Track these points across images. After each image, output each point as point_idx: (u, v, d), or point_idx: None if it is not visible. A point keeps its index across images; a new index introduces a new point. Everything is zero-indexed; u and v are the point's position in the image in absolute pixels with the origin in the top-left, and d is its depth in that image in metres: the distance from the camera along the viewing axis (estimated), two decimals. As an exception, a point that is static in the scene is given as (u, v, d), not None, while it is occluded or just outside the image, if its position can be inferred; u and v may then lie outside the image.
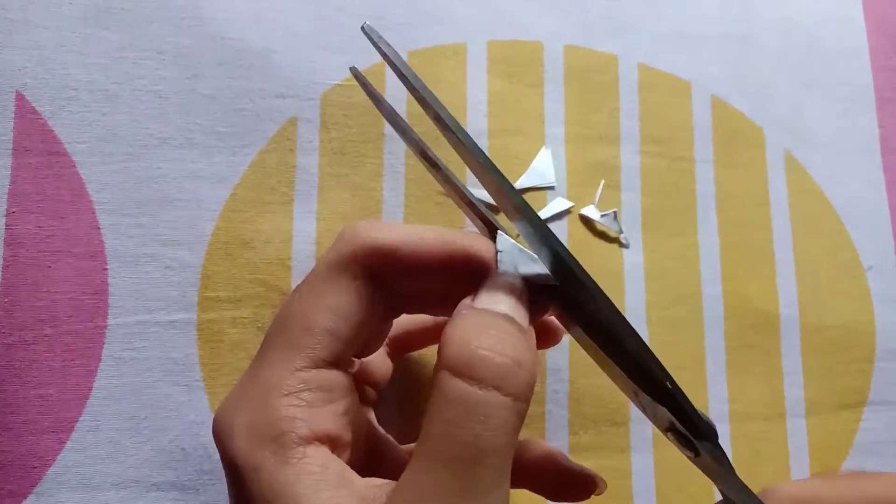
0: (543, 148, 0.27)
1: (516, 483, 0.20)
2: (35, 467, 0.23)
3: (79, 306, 0.24)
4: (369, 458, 0.19)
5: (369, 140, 0.26)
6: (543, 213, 0.27)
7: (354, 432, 0.18)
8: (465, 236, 0.18)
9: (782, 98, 0.29)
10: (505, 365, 0.15)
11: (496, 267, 0.18)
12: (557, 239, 0.17)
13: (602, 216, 0.27)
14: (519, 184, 0.27)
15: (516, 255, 0.18)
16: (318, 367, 0.17)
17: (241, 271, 0.25)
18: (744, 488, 0.18)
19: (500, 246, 0.18)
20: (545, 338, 0.21)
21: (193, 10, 0.26)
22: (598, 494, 0.20)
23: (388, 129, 0.26)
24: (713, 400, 0.26)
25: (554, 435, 0.25)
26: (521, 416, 0.15)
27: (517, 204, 0.17)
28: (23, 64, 0.24)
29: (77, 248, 0.24)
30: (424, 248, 0.18)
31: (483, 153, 0.16)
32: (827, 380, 0.27)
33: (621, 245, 0.27)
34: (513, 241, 0.18)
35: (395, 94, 0.27)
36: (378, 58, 0.27)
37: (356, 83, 0.26)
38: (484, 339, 0.15)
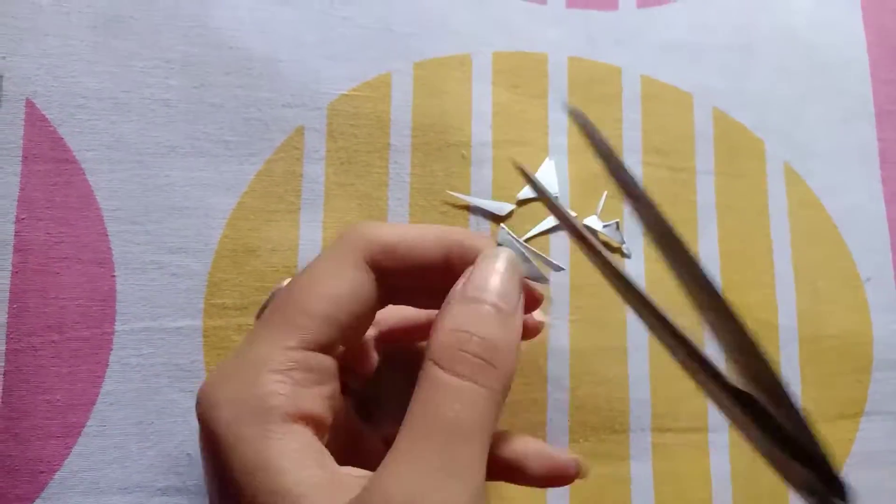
0: (547, 158, 0.28)
1: (500, 476, 0.21)
2: (42, 472, 0.23)
3: (86, 312, 0.24)
4: (344, 447, 0.20)
5: (375, 150, 0.26)
6: (546, 224, 0.27)
7: (334, 419, 0.18)
8: (461, 231, 0.19)
9: (783, 110, 0.30)
10: (480, 365, 0.16)
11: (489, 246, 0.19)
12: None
13: (604, 226, 0.27)
14: (522, 194, 0.27)
15: (515, 246, 0.19)
16: (309, 348, 0.17)
17: (248, 279, 0.25)
18: None
19: (499, 238, 0.19)
20: (525, 331, 0.21)
21: (201, 20, 0.26)
22: (581, 478, 0.21)
23: (393, 138, 0.27)
24: (711, 409, 0.27)
25: (555, 442, 0.26)
26: (497, 404, 0.17)
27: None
28: (33, 72, 0.25)
29: (85, 254, 0.24)
30: (422, 244, 0.19)
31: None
32: (825, 389, 0.28)
33: (623, 255, 0.28)
34: (512, 234, 0.19)
35: (403, 100, 0.27)
36: (385, 68, 0.27)
37: (363, 94, 0.27)
38: (466, 338, 0.17)
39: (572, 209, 0.27)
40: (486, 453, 0.16)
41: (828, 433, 0.27)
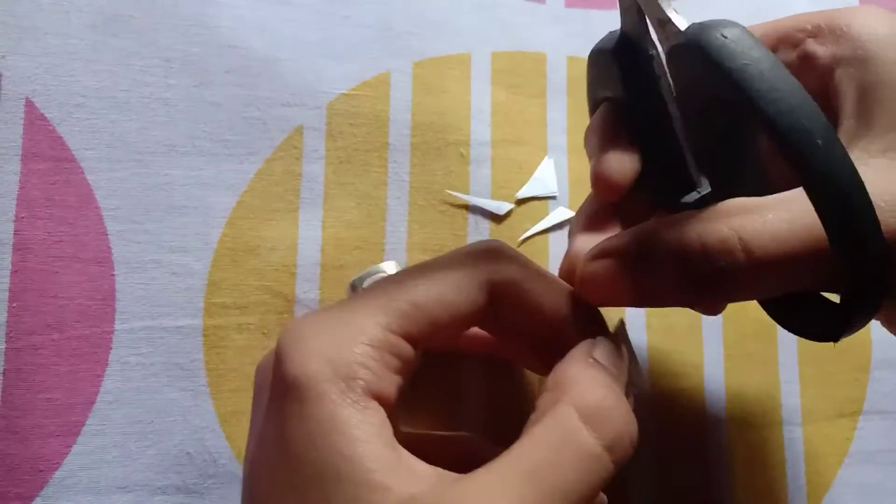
0: (546, 157, 0.28)
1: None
2: (42, 470, 0.23)
3: (86, 311, 0.24)
4: None
5: (374, 149, 0.27)
6: (545, 223, 0.27)
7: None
8: (584, 310, 0.19)
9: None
10: (621, 435, 0.16)
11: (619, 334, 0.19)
12: None
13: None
14: (521, 193, 0.27)
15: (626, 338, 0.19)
16: (402, 336, 0.17)
17: (248, 278, 0.25)
18: None
19: (621, 325, 0.19)
20: None
21: (201, 19, 0.26)
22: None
23: (392, 138, 0.27)
24: (711, 408, 0.27)
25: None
26: (609, 481, 0.16)
27: None
28: (32, 71, 0.25)
29: (85, 253, 0.24)
30: (545, 299, 0.19)
31: None
32: (824, 388, 0.28)
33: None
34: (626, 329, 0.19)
35: (402, 99, 0.27)
36: (384, 67, 0.27)
37: (362, 93, 0.27)
38: (615, 414, 0.16)
39: (571, 208, 0.27)
40: None
41: (826, 432, 0.27)
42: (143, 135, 0.25)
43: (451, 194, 0.27)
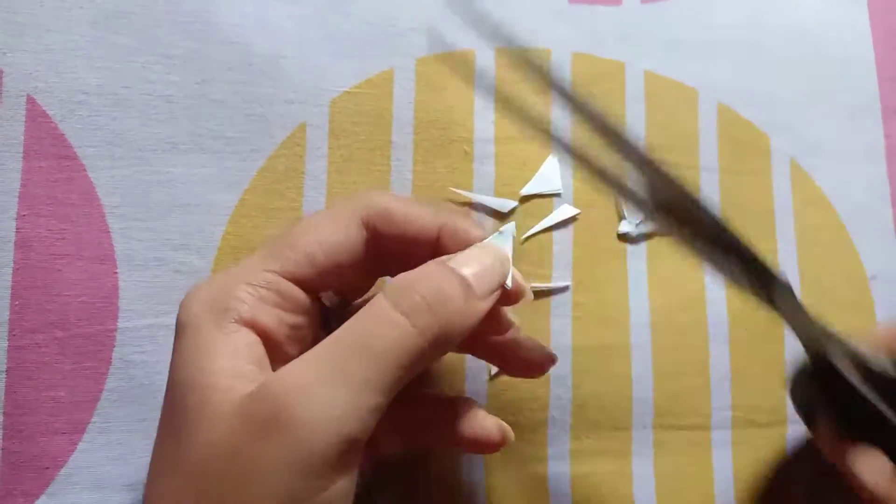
0: (551, 155, 0.27)
1: (478, 353, 0.22)
2: (47, 468, 0.23)
3: (89, 309, 0.24)
4: None
5: (377, 147, 0.26)
6: (549, 220, 0.27)
7: (296, 348, 0.20)
8: (460, 214, 0.20)
9: (788, 105, 0.29)
10: (421, 305, 0.17)
11: (483, 239, 0.20)
12: None
13: (637, 224, 0.27)
14: (525, 190, 0.27)
15: (507, 245, 0.20)
16: (285, 277, 0.19)
17: (250, 276, 0.25)
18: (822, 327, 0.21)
19: (503, 229, 0.20)
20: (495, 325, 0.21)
21: (203, 15, 0.26)
22: (504, 445, 0.21)
23: (395, 135, 0.27)
24: (717, 406, 0.27)
25: (557, 440, 0.26)
26: (421, 351, 0.17)
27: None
28: (34, 68, 0.25)
29: (87, 251, 0.24)
30: (419, 214, 0.20)
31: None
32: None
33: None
34: (513, 232, 0.20)
35: (405, 97, 0.27)
36: (388, 65, 0.27)
37: (365, 90, 0.27)
38: (425, 285, 0.18)
39: (575, 205, 0.27)
40: (393, 389, 0.17)
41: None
42: (145, 132, 0.25)
43: (454, 192, 0.26)
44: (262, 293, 0.19)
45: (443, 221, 0.20)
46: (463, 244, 0.20)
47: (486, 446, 0.21)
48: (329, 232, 0.19)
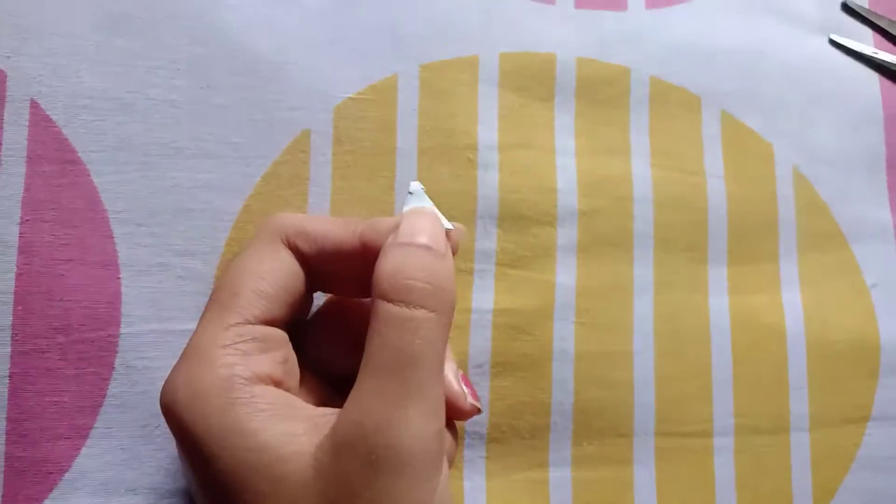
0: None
1: None
2: (51, 473, 0.23)
3: (92, 315, 0.24)
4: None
5: (382, 154, 0.26)
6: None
7: (305, 385, 0.20)
8: (365, 223, 0.20)
9: (792, 113, 0.29)
10: (427, 289, 0.18)
11: (406, 205, 0.20)
12: None
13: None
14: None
15: (426, 199, 0.21)
16: (249, 322, 0.19)
17: (254, 282, 0.25)
18: None
19: (411, 188, 0.21)
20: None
21: (207, 20, 0.26)
22: (474, 414, 0.21)
23: (400, 142, 0.27)
24: (719, 413, 0.27)
25: (558, 445, 0.26)
26: (446, 328, 0.18)
27: None
28: (37, 72, 0.25)
29: (91, 256, 0.24)
30: (333, 228, 0.20)
31: None
32: (832, 395, 0.28)
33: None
34: (421, 187, 0.21)
35: (409, 103, 0.27)
36: (393, 70, 0.27)
37: (369, 97, 0.27)
38: (408, 269, 0.18)
39: (580, 210, 0.27)
40: (442, 369, 0.18)
41: (834, 438, 0.27)
42: (149, 137, 0.25)
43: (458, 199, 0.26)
44: (245, 347, 0.18)
45: (358, 228, 0.20)
46: (386, 232, 0.20)
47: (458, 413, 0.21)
48: (259, 262, 0.20)
